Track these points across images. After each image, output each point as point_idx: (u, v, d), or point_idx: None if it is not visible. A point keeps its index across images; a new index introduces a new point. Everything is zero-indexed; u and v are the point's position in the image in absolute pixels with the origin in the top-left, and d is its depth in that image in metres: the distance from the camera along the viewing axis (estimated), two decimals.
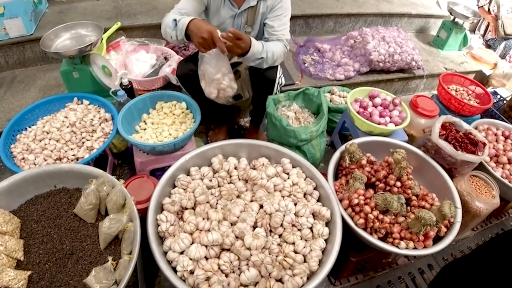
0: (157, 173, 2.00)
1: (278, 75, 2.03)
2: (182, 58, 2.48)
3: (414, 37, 3.82)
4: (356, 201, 1.66)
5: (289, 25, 2.02)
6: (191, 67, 2.02)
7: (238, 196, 1.66)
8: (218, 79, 1.84)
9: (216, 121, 2.51)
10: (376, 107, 2.26)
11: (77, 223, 1.49)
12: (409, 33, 3.84)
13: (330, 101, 2.62)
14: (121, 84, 2.17)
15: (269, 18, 1.96)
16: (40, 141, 1.86)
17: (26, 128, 1.99)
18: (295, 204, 1.61)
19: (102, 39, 2.51)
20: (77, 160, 1.82)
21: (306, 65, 2.92)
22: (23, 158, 1.83)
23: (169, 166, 1.93)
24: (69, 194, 1.59)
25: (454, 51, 3.75)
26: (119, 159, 2.33)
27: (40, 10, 2.97)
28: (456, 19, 3.57)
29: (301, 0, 3.44)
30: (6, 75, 2.81)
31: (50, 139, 1.86)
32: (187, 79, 2.05)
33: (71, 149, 1.84)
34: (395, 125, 2.15)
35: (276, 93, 2.08)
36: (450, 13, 3.55)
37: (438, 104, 2.52)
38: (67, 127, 1.89)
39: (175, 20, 1.82)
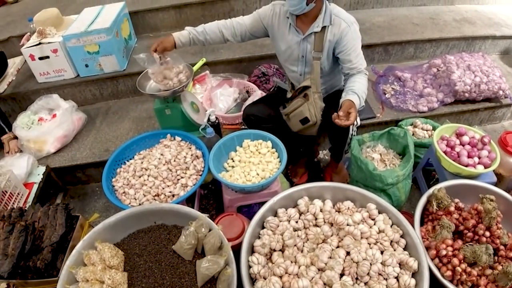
0: (244, 209, 2.10)
1: None
2: (260, 96, 2.61)
3: (498, 59, 3.61)
4: (444, 252, 1.64)
5: (361, 51, 2.02)
6: (252, 112, 2.20)
7: (324, 240, 1.70)
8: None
9: (296, 157, 2.57)
10: (463, 145, 2.18)
11: (176, 259, 1.61)
12: (493, 55, 3.64)
13: (413, 134, 2.56)
14: (208, 120, 2.30)
15: (343, 53, 1.97)
16: (140, 177, 2.03)
17: (125, 162, 2.18)
18: (382, 252, 1.62)
19: (192, 79, 2.68)
20: (173, 196, 1.96)
21: (386, 95, 2.87)
22: (123, 192, 2.00)
23: (255, 204, 2.04)
24: (168, 230, 1.72)
25: None
26: (205, 189, 2.47)
27: (130, 46, 3.24)
28: None
29: (380, 27, 3.40)
30: (101, 105, 3.10)
31: (148, 176, 2.02)
32: (250, 123, 2.21)
33: (168, 186, 1.99)
34: (484, 167, 2.06)
35: (352, 134, 2.09)
36: None
37: None
38: (164, 164, 2.05)
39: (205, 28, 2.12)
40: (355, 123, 2.04)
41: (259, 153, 2.09)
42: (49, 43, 2.75)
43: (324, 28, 1.96)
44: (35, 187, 2.31)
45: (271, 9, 2.06)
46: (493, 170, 2.13)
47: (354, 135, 2.09)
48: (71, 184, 2.70)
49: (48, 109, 2.76)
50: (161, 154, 2.12)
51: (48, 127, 2.57)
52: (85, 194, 2.65)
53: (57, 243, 1.80)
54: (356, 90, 1.89)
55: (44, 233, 1.83)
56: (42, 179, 2.36)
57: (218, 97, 2.67)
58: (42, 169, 2.42)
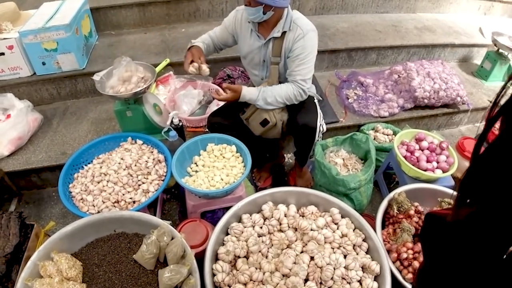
0: (208, 214, 2.06)
1: (318, 123, 2.05)
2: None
3: (457, 67, 3.75)
4: (405, 255, 1.68)
5: (311, 64, 2.01)
6: (216, 120, 2.19)
7: (288, 245, 1.70)
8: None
9: (261, 162, 2.56)
10: (423, 150, 2.25)
11: (137, 269, 1.56)
12: (452, 62, 3.78)
13: (374, 139, 2.61)
14: (171, 123, 2.25)
15: (289, 58, 2.00)
16: (99, 182, 1.95)
17: (82, 167, 2.09)
18: (345, 256, 1.63)
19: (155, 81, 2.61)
20: (134, 203, 1.90)
21: (349, 100, 2.91)
22: (81, 199, 1.92)
23: (219, 209, 2.01)
24: (128, 239, 1.66)
25: (498, 82, 3.65)
26: (168, 194, 2.41)
27: (90, 43, 3.11)
28: (500, 50, 3.50)
29: (344, 33, 3.45)
30: (58, 105, 2.95)
31: (108, 181, 1.94)
32: (215, 131, 2.18)
33: (128, 192, 1.92)
34: (443, 171, 2.13)
35: (318, 140, 2.11)
36: (495, 45, 3.48)
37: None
38: (124, 169, 1.98)
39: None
40: (321, 129, 2.06)
41: (224, 157, 2.06)
42: (4, 39, 2.60)
43: (284, 33, 1.97)
44: None
45: (234, 15, 2.09)
46: (451, 174, 2.20)
47: (319, 140, 2.11)
48: (26, 189, 2.55)
49: (2, 109, 2.60)
50: (122, 158, 2.04)
51: (1, 128, 2.42)
52: (41, 199, 2.52)
53: (11, 253, 1.71)
54: (265, 89, 1.98)
55: None
56: None
57: (182, 99, 2.61)
58: None
